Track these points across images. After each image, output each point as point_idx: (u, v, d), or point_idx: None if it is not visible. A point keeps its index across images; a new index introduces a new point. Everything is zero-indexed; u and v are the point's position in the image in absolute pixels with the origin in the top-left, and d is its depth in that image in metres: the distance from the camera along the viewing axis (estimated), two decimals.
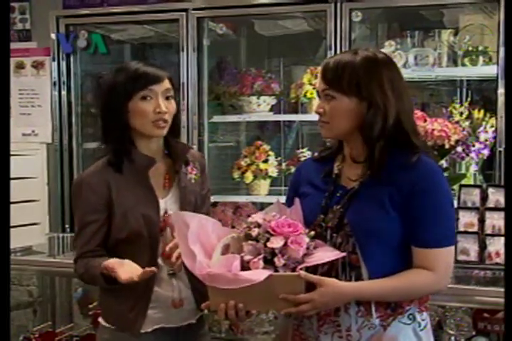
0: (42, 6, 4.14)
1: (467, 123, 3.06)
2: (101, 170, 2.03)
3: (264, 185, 3.74)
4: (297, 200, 1.85)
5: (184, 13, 3.74)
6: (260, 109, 3.75)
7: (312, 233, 1.74)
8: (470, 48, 3.35)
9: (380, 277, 1.74)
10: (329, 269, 1.78)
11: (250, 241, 1.71)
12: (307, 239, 1.71)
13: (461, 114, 3.08)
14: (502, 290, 1.90)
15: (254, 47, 4.31)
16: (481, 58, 3.33)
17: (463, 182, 2.86)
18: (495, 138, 3.14)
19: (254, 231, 1.71)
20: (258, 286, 1.65)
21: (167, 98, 2.02)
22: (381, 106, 1.75)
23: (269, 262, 1.69)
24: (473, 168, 3.13)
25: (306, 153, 3.68)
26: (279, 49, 4.22)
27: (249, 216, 1.80)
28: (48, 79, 4.10)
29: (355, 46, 3.46)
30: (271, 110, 3.81)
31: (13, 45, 4.00)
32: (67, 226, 4.03)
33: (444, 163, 2.91)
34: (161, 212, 2.03)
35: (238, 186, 3.92)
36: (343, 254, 1.74)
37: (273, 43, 4.22)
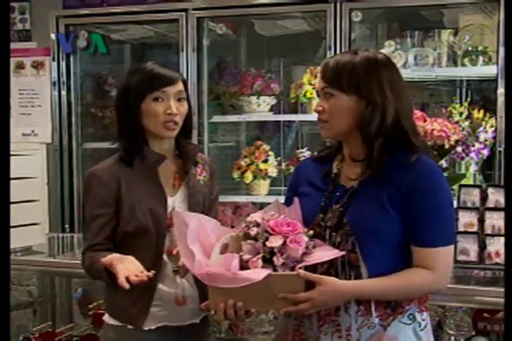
0: (42, 6, 4.14)
1: (467, 123, 3.06)
2: (112, 165, 2.07)
3: (263, 185, 3.75)
4: (296, 200, 1.85)
5: (184, 13, 3.74)
6: (260, 109, 3.76)
7: (311, 232, 1.74)
8: (470, 48, 3.35)
9: (379, 276, 1.74)
10: (328, 268, 1.78)
11: (249, 241, 1.71)
12: (306, 238, 1.71)
13: (461, 114, 3.08)
14: (502, 290, 1.90)
15: (254, 47, 4.31)
16: (480, 58, 3.33)
17: (463, 182, 2.86)
18: (494, 138, 3.14)
19: (253, 231, 1.71)
20: (257, 285, 1.65)
21: (179, 100, 2.05)
22: (379, 104, 1.75)
23: (268, 261, 1.69)
24: (472, 168, 3.14)
25: (305, 153, 3.68)
26: (279, 49, 4.22)
27: (248, 216, 1.80)
28: (47, 79, 4.10)
29: (355, 46, 3.46)
30: (271, 110, 3.82)
31: (13, 45, 4.00)
32: (67, 226, 4.04)
33: (443, 163, 2.91)
34: (169, 209, 2.05)
35: (238, 186, 3.92)
36: (343, 253, 1.74)
37: (273, 43, 4.23)
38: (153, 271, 1.85)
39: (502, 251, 2.54)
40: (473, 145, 3.07)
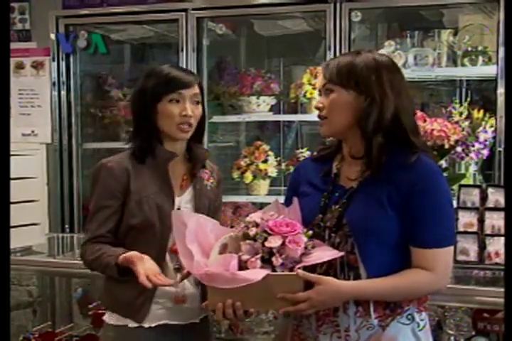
0: (41, 6, 4.14)
1: (467, 123, 3.05)
2: (123, 159, 2.09)
3: (263, 185, 3.75)
4: (295, 200, 1.85)
5: (184, 13, 3.74)
6: (260, 109, 3.76)
7: (310, 232, 1.74)
8: (469, 48, 3.35)
9: (378, 277, 1.74)
10: (327, 269, 1.78)
11: (248, 241, 1.71)
12: (305, 239, 1.71)
13: (461, 114, 3.08)
14: (502, 290, 1.90)
15: (253, 48, 4.31)
16: (480, 58, 3.33)
17: (462, 182, 2.86)
18: (494, 138, 3.14)
19: (252, 231, 1.71)
20: (256, 286, 1.66)
21: (195, 103, 2.08)
22: (377, 99, 1.76)
23: (266, 262, 1.69)
24: (472, 168, 3.13)
25: (305, 153, 3.68)
26: (279, 49, 4.22)
27: (248, 216, 1.80)
28: (47, 80, 4.10)
29: (355, 46, 3.47)
30: (270, 110, 3.82)
31: (13, 45, 4.00)
32: (66, 226, 4.04)
33: (443, 163, 2.91)
34: (175, 208, 2.07)
35: (238, 186, 3.92)
36: (342, 254, 1.74)
37: (272, 43, 4.23)
38: (178, 279, 1.90)
39: (502, 251, 2.54)
40: (473, 146, 3.06)
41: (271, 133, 4.29)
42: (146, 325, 2.04)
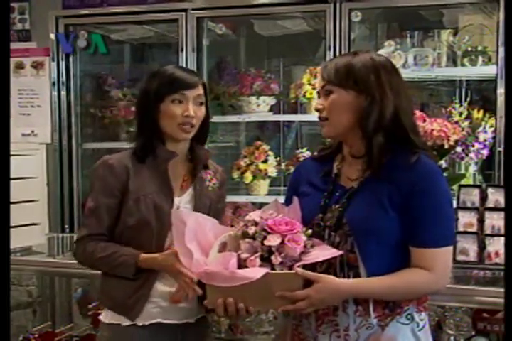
0: (41, 6, 4.15)
1: (466, 123, 3.05)
2: (124, 157, 2.10)
3: (263, 185, 3.75)
4: (296, 199, 1.86)
5: (184, 13, 3.74)
6: (260, 109, 3.76)
7: (309, 231, 1.75)
8: (469, 48, 3.35)
9: (378, 276, 1.74)
10: (327, 268, 1.78)
11: (247, 239, 1.71)
12: (304, 238, 1.72)
13: (461, 114, 3.08)
14: (501, 290, 1.89)
15: (253, 48, 4.31)
16: (480, 58, 3.34)
17: (462, 182, 2.86)
18: (494, 138, 3.14)
19: (251, 229, 1.72)
20: (255, 284, 1.66)
21: (198, 104, 2.08)
22: (377, 98, 1.76)
23: (265, 260, 1.69)
24: (472, 168, 3.13)
25: (305, 153, 3.68)
26: (279, 49, 4.22)
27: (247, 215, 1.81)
28: (47, 80, 4.10)
29: (354, 46, 3.47)
30: (270, 110, 3.82)
31: (13, 46, 4.00)
32: (66, 226, 4.04)
33: (443, 163, 2.91)
34: (174, 208, 2.07)
35: (238, 186, 3.92)
36: (341, 253, 1.74)
37: (272, 43, 4.23)
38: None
39: (502, 251, 2.54)
40: (473, 146, 3.06)
41: (271, 133, 4.29)
42: (140, 323, 2.05)
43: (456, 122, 2.98)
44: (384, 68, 1.80)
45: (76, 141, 4.10)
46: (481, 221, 2.64)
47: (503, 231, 2.53)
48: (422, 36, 3.52)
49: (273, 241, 1.68)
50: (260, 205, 3.73)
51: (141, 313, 2.04)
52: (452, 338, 2.81)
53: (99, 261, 2.06)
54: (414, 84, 3.66)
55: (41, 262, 3.05)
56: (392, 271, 1.75)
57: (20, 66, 4.18)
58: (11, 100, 4.05)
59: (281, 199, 2.00)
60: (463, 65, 3.38)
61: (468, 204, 2.69)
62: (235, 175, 3.74)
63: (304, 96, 3.60)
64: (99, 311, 2.71)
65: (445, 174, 2.42)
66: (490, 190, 2.68)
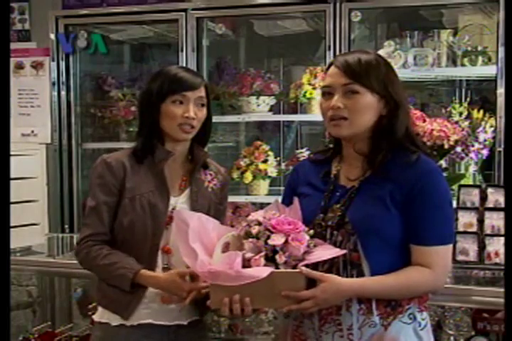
0: (41, 6, 4.14)
1: (466, 123, 3.06)
2: (123, 156, 2.11)
3: (263, 185, 3.74)
4: (296, 200, 1.86)
5: (183, 13, 3.74)
6: (259, 109, 3.75)
7: (311, 232, 1.75)
8: (469, 48, 3.35)
9: (381, 274, 1.75)
10: (330, 267, 1.78)
11: (251, 239, 1.72)
12: (307, 237, 1.72)
13: (461, 114, 3.08)
14: (501, 290, 1.90)
15: (253, 48, 4.31)
16: (480, 58, 3.34)
17: (462, 182, 2.86)
18: (494, 138, 3.14)
19: (255, 229, 1.72)
20: (260, 283, 1.66)
21: (199, 105, 2.08)
22: (405, 105, 1.80)
23: (269, 259, 1.69)
24: (472, 168, 3.13)
25: (305, 153, 3.67)
26: (279, 49, 4.23)
27: (248, 215, 1.80)
28: (47, 80, 4.10)
29: (354, 46, 3.47)
30: (270, 110, 3.81)
31: (13, 46, 4.00)
32: (66, 226, 4.04)
33: (443, 163, 2.91)
34: (170, 208, 2.07)
35: (237, 186, 3.91)
36: (344, 252, 1.75)
37: (272, 43, 4.23)
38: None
39: (501, 251, 2.54)
40: (473, 146, 3.06)
41: (270, 133, 4.29)
42: (129, 324, 2.04)
43: (456, 122, 2.99)
44: (394, 71, 1.85)
45: (76, 141, 4.10)
46: (480, 221, 2.64)
47: (502, 231, 2.54)
48: (421, 36, 3.52)
49: (277, 240, 1.69)
50: (260, 205, 3.74)
51: (133, 313, 2.04)
52: (452, 338, 2.81)
53: (98, 268, 2.06)
54: (413, 84, 3.66)
55: (41, 262, 3.05)
56: (394, 269, 1.76)
57: (20, 66, 4.18)
58: (10, 100, 4.05)
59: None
60: (463, 65, 3.38)
61: (468, 204, 2.69)
62: (235, 175, 3.74)
63: (304, 96, 3.59)
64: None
65: (445, 174, 2.42)
66: (490, 190, 2.68)
